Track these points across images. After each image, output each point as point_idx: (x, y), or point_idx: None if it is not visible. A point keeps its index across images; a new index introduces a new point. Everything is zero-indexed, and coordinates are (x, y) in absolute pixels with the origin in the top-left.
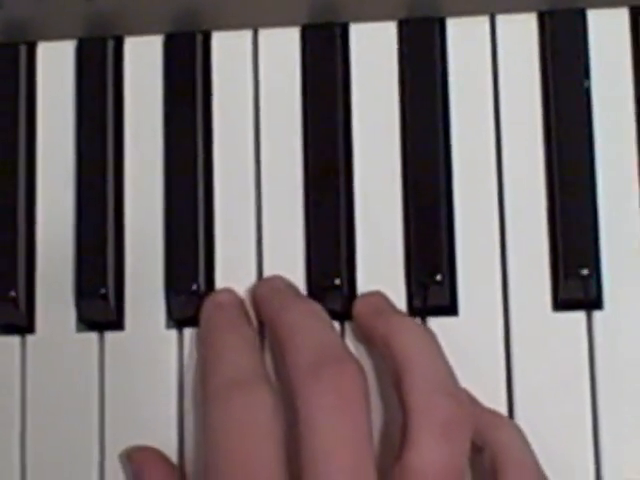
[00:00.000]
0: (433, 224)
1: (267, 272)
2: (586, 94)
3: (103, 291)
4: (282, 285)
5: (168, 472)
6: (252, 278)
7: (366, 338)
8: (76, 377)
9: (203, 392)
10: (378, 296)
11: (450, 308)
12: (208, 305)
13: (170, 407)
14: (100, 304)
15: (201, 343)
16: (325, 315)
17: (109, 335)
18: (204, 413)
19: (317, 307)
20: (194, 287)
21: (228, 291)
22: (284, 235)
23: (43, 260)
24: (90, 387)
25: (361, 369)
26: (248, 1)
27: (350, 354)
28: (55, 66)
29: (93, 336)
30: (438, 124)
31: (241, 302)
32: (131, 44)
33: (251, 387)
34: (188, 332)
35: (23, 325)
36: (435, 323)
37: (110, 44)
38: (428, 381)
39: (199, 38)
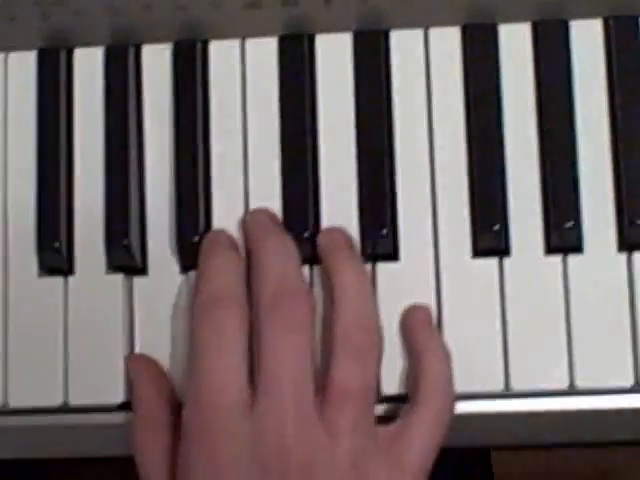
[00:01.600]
0: (380, 190)
1: None
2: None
3: (126, 242)
4: (263, 217)
5: (159, 384)
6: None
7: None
8: (107, 310)
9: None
10: (338, 232)
11: (393, 255)
12: (204, 240)
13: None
14: (124, 253)
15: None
16: (290, 250)
17: (135, 279)
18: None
19: (285, 244)
20: (196, 239)
21: (221, 230)
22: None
23: (80, 218)
24: (117, 318)
25: (310, 301)
26: (239, 15)
27: (303, 288)
28: (88, 69)
29: (119, 277)
30: (383, 114)
31: (230, 236)
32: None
33: (224, 305)
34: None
35: (65, 269)
36: (382, 267)
37: (131, 51)
38: (350, 315)
39: (199, 46)
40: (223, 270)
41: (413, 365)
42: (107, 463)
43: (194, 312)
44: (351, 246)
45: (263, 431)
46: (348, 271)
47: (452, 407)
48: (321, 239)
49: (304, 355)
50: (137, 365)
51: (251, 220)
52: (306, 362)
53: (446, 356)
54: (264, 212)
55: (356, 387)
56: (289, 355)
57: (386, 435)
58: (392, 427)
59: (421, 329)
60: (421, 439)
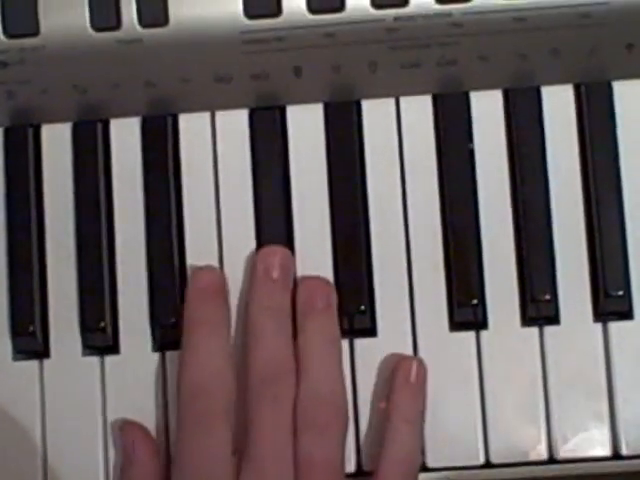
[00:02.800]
0: (357, 265)
1: None
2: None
3: (102, 325)
4: (275, 272)
5: (153, 448)
6: None
7: None
8: (83, 391)
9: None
10: (319, 288)
11: (371, 330)
12: (191, 289)
13: (159, 413)
14: (99, 335)
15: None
16: (284, 324)
17: (108, 358)
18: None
19: (281, 317)
20: (172, 320)
21: (211, 273)
22: (243, 280)
23: (54, 300)
24: (94, 400)
25: (293, 382)
26: (207, 91)
27: (290, 366)
28: (56, 145)
29: (95, 359)
30: (357, 183)
31: (220, 282)
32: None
33: (208, 397)
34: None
35: (40, 351)
36: (359, 343)
37: (99, 126)
38: (311, 388)
39: (169, 119)
40: (207, 355)
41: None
42: None
43: (178, 397)
44: (328, 304)
45: None
46: (316, 338)
47: (415, 478)
48: (300, 292)
49: (286, 430)
50: (131, 431)
51: (261, 274)
52: (287, 437)
53: (420, 426)
54: (276, 264)
55: (319, 460)
56: (273, 429)
57: None
58: None
59: (404, 390)
60: None
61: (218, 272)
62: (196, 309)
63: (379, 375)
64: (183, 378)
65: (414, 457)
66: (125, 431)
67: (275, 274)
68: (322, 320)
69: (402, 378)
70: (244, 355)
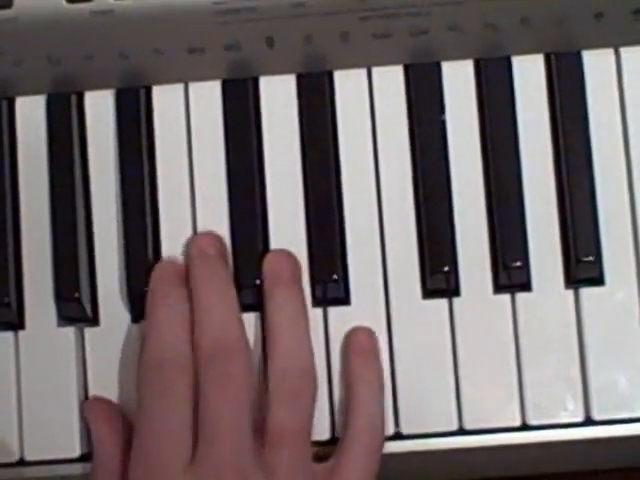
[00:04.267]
0: (330, 234)
1: None
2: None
3: (77, 295)
4: (210, 249)
5: (114, 422)
6: None
7: None
8: (58, 362)
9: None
10: (283, 260)
11: (345, 299)
12: (152, 277)
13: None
14: (74, 305)
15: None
16: (231, 298)
17: (86, 329)
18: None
19: (227, 290)
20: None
21: (169, 264)
22: None
23: (29, 271)
24: (70, 371)
25: (247, 353)
26: (180, 62)
27: (241, 342)
28: (30, 117)
29: (70, 329)
30: (330, 153)
31: (179, 269)
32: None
33: (169, 367)
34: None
35: (15, 322)
36: (333, 311)
37: (73, 99)
38: (283, 357)
39: (142, 91)
40: (168, 327)
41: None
42: None
43: (139, 372)
44: (293, 276)
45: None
46: (283, 310)
47: (382, 440)
48: (265, 266)
49: (241, 405)
50: (91, 409)
51: (196, 254)
52: (243, 411)
53: (379, 389)
54: (209, 239)
55: (291, 430)
56: (226, 407)
57: (323, 472)
58: (328, 464)
59: (357, 357)
60: (355, 475)
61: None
62: (156, 286)
63: None
64: (145, 351)
65: (377, 421)
66: (85, 413)
67: (211, 251)
68: (289, 291)
69: (355, 347)
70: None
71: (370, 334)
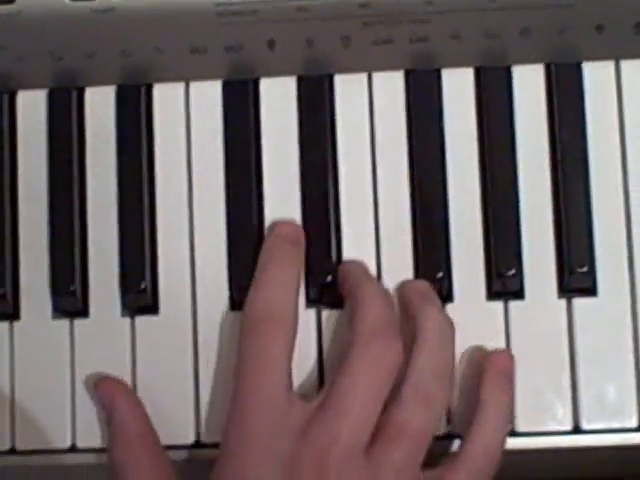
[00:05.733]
0: (325, 236)
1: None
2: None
3: (72, 288)
4: (359, 268)
5: (135, 402)
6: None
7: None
8: (52, 354)
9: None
10: (421, 282)
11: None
12: (270, 235)
13: (126, 379)
14: (69, 298)
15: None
16: (387, 296)
17: (77, 321)
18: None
19: (382, 289)
20: (142, 286)
21: (290, 225)
22: (211, 252)
23: (25, 263)
24: (63, 363)
25: (401, 348)
26: (181, 61)
27: (399, 336)
28: (32, 112)
29: (65, 322)
30: (328, 156)
31: (298, 231)
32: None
33: (275, 321)
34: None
35: (10, 313)
36: (327, 313)
37: (74, 94)
38: (428, 362)
39: (143, 89)
40: (279, 284)
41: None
42: None
43: (244, 322)
44: (435, 294)
45: (306, 452)
46: (434, 315)
47: (493, 470)
48: (408, 286)
49: (378, 396)
50: (109, 384)
51: (351, 268)
52: (377, 403)
53: (507, 415)
54: (357, 264)
55: (416, 429)
56: (365, 388)
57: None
58: (433, 473)
59: (495, 377)
60: None
61: (298, 226)
62: (273, 251)
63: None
64: (250, 306)
65: (495, 449)
66: (101, 388)
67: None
68: (439, 304)
69: (495, 366)
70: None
71: (510, 357)
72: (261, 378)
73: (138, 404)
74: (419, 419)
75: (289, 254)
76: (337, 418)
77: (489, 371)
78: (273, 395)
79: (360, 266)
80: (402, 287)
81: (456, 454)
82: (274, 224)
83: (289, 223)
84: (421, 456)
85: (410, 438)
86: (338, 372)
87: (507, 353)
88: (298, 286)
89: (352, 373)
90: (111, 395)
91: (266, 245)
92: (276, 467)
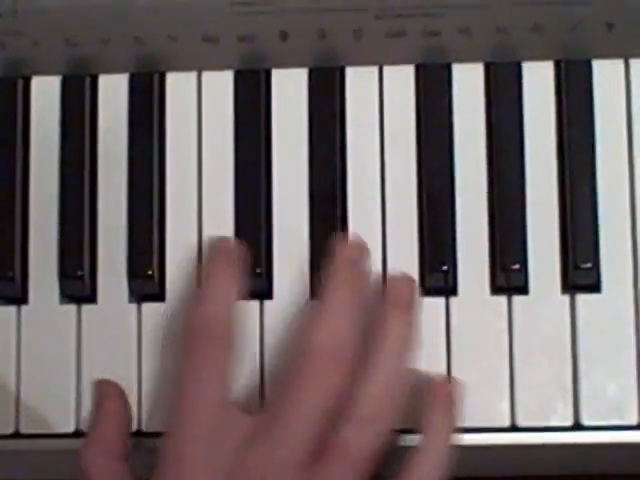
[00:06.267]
0: (331, 227)
1: None
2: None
3: (80, 273)
4: (345, 267)
5: (121, 405)
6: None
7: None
8: (59, 339)
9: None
10: (408, 285)
11: None
12: (209, 247)
13: (133, 364)
14: (77, 283)
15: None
16: (354, 310)
17: (84, 307)
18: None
19: (357, 299)
20: (149, 272)
21: (227, 240)
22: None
23: (34, 247)
24: (69, 348)
25: (350, 371)
26: (194, 50)
27: (349, 357)
28: (45, 98)
29: (72, 307)
30: (337, 147)
31: (236, 246)
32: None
33: (214, 335)
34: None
35: (18, 297)
36: None
37: (87, 80)
38: (381, 381)
39: (156, 77)
40: (219, 297)
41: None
42: None
43: (180, 337)
44: (410, 300)
45: (245, 468)
46: (394, 331)
47: None
48: (389, 285)
49: (322, 416)
50: (105, 387)
51: (339, 259)
52: (320, 422)
53: (450, 439)
54: (353, 248)
55: (358, 451)
56: (308, 411)
57: None
58: None
59: (438, 405)
60: None
61: (232, 241)
62: (211, 265)
63: None
64: (189, 318)
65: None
66: (97, 389)
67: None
68: (406, 317)
69: (437, 395)
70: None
71: (456, 384)
72: (199, 391)
73: (124, 414)
74: (362, 440)
75: (227, 268)
76: (279, 436)
77: (434, 401)
78: (211, 408)
79: (348, 264)
80: (387, 281)
81: (401, 473)
82: (208, 241)
83: (223, 238)
84: (361, 477)
85: (350, 458)
86: (283, 387)
87: (446, 381)
88: (238, 299)
89: (297, 390)
90: (104, 395)
91: (206, 259)
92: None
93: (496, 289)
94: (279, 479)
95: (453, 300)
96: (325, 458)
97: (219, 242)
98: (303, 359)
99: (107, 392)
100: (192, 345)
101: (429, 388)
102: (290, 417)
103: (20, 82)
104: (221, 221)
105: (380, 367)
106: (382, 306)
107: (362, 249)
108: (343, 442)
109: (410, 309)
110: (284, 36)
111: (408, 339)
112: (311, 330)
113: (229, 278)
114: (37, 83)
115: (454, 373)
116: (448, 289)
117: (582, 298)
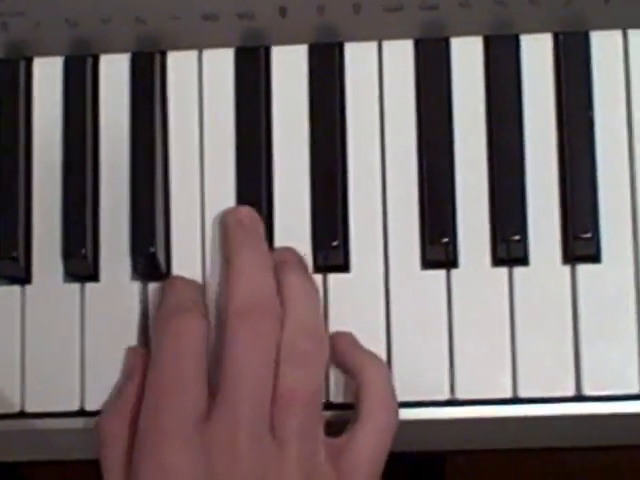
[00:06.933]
0: (332, 202)
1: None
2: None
3: (83, 252)
4: (246, 220)
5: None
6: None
7: None
8: (63, 318)
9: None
10: (287, 250)
11: (345, 266)
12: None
13: (136, 342)
14: (80, 262)
15: None
16: (266, 263)
17: (88, 285)
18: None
19: (262, 255)
20: (152, 250)
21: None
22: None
23: (37, 227)
24: (73, 327)
25: (279, 317)
26: (194, 29)
27: (275, 304)
28: (49, 79)
29: (76, 286)
30: (337, 122)
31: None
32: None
33: (186, 312)
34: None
35: (22, 277)
36: (333, 278)
37: (89, 61)
38: (296, 323)
39: (157, 56)
40: (185, 284)
41: (355, 381)
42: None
43: (156, 321)
44: (299, 260)
45: (215, 440)
46: (295, 281)
47: (396, 419)
48: (275, 254)
49: (268, 366)
50: (138, 357)
51: (232, 223)
52: (267, 375)
53: (387, 371)
54: (247, 214)
55: (301, 393)
56: (253, 366)
57: (334, 446)
58: (340, 439)
59: (356, 348)
60: (369, 451)
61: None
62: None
63: (351, 310)
64: (164, 302)
65: (390, 400)
66: (131, 354)
67: (247, 221)
68: (299, 267)
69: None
70: (224, 292)
71: (353, 335)
72: (175, 368)
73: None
74: (302, 380)
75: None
76: (234, 404)
77: (348, 345)
78: (186, 386)
79: (246, 220)
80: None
81: (354, 418)
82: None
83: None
84: (318, 417)
85: (299, 404)
86: (221, 355)
87: (348, 333)
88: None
89: (234, 354)
90: (135, 366)
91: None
92: (193, 456)
93: (497, 261)
94: (251, 448)
95: (454, 272)
96: (279, 409)
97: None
98: (231, 322)
99: (136, 360)
100: (167, 323)
101: (337, 338)
102: (238, 383)
103: (22, 63)
104: (224, 199)
105: (291, 308)
106: (277, 268)
107: (252, 216)
108: (286, 388)
109: (300, 262)
110: (283, 12)
111: (308, 281)
112: (229, 293)
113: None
114: (39, 64)
115: (456, 345)
116: (449, 262)
117: (582, 268)
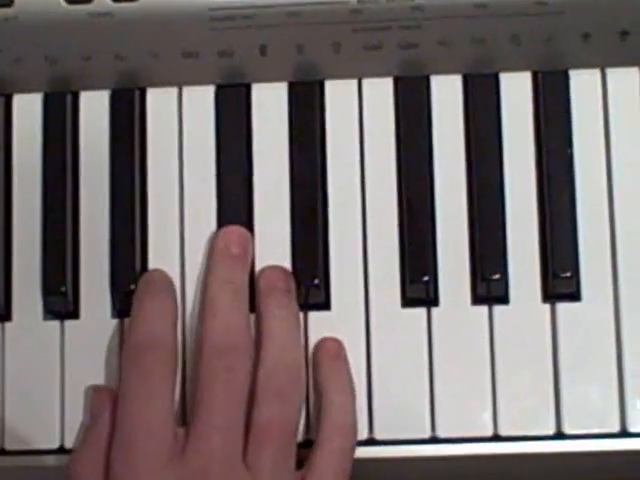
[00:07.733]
0: (313, 240)
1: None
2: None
3: (63, 289)
4: (234, 248)
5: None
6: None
7: None
8: (43, 355)
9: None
10: (277, 273)
11: (325, 304)
12: (140, 280)
13: (115, 378)
14: (60, 299)
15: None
16: (242, 301)
17: (67, 322)
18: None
19: (239, 292)
20: (132, 287)
21: (157, 270)
22: (201, 256)
23: (17, 263)
24: (53, 364)
25: (251, 351)
26: (175, 66)
27: (246, 340)
28: (29, 116)
29: (56, 323)
30: (318, 160)
31: (166, 276)
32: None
33: (153, 350)
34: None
35: (2, 314)
36: (313, 316)
37: (69, 97)
38: (274, 357)
39: (137, 93)
40: (153, 315)
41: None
42: None
43: (123, 356)
44: (285, 285)
45: (190, 472)
46: (277, 314)
47: (353, 442)
48: (261, 279)
49: (240, 401)
50: (106, 395)
51: (220, 250)
52: (240, 407)
53: (350, 390)
54: (236, 240)
55: (276, 426)
56: (225, 401)
57: (298, 476)
58: (302, 470)
59: (327, 363)
60: (327, 476)
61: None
62: (149, 283)
63: None
64: (131, 336)
65: (348, 423)
66: (98, 393)
67: (235, 250)
68: (284, 298)
69: (324, 353)
70: (199, 329)
71: (337, 341)
72: (144, 407)
73: None
74: (277, 415)
75: (164, 285)
76: (206, 436)
77: (321, 359)
78: (155, 425)
79: (224, 256)
80: (257, 284)
81: (315, 443)
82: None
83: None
84: (292, 451)
85: (274, 435)
86: (196, 391)
87: (332, 339)
88: (176, 317)
89: (208, 389)
90: (104, 406)
91: (142, 277)
92: None
93: (477, 299)
94: (222, 470)
95: (434, 311)
96: (253, 442)
97: (151, 275)
98: (206, 359)
99: (104, 400)
100: (134, 360)
101: (318, 347)
102: (211, 416)
103: (1, 99)
104: (204, 235)
105: (270, 341)
106: (261, 295)
107: (240, 235)
108: (262, 421)
109: (287, 288)
110: (263, 50)
111: (290, 313)
112: (204, 330)
113: (166, 295)
114: (19, 100)
115: (437, 383)
116: (429, 300)
117: (562, 307)
